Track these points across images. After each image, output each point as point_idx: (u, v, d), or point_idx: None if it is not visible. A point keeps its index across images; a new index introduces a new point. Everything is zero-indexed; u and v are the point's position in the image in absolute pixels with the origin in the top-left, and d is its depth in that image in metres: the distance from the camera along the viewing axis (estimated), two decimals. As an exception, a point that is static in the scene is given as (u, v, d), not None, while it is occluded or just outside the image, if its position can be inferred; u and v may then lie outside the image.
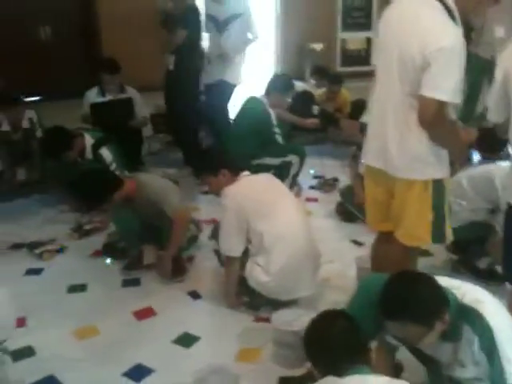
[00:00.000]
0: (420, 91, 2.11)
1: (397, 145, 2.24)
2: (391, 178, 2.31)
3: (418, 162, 2.23)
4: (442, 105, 2.10)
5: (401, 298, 1.74)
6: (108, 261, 3.46)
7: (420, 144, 2.21)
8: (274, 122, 4.25)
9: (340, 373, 1.71)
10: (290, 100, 4.52)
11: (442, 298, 1.75)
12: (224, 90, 4.94)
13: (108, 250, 3.52)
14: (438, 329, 1.74)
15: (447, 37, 2.07)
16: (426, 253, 3.20)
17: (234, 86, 4.99)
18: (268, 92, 4.33)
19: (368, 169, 2.46)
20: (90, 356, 2.58)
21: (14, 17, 7.67)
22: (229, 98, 5.07)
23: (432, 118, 2.12)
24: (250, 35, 4.90)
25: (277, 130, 4.26)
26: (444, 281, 1.85)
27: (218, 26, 4.81)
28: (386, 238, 2.51)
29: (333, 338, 1.81)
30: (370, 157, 2.41)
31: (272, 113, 4.25)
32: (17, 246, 3.69)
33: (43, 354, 2.60)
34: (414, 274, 1.91)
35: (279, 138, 4.26)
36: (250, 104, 4.36)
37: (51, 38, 7.98)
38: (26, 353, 2.60)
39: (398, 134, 2.23)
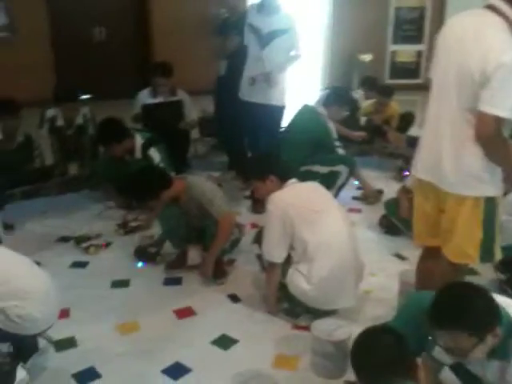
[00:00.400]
0: (478, 107, 2.08)
1: (452, 160, 2.21)
2: (443, 192, 2.28)
3: (472, 178, 2.20)
4: (499, 121, 2.07)
5: (455, 306, 1.71)
6: (139, 264, 3.48)
7: (475, 160, 2.17)
8: (335, 135, 4.27)
9: None
10: (347, 113, 4.50)
11: (495, 310, 1.71)
12: (273, 114, 4.60)
13: (139, 253, 3.53)
14: (488, 342, 1.70)
15: (508, 53, 2.03)
16: (472, 271, 3.13)
17: (283, 107, 4.66)
18: (328, 104, 4.33)
19: (418, 182, 2.43)
20: (130, 351, 2.63)
21: (73, 17, 7.95)
22: (280, 122, 4.75)
23: (489, 133, 2.09)
24: (293, 52, 4.51)
25: (338, 143, 4.27)
26: (498, 298, 1.81)
27: (261, 39, 4.41)
28: (432, 254, 2.46)
29: (379, 353, 1.79)
30: (421, 170, 2.38)
31: (333, 127, 4.26)
32: (65, 239, 3.82)
33: (85, 346, 2.66)
34: (469, 284, 1.87)
35: (340, 151, 4.29)
36: (309, 115, 4.30)
37: (106, 39, 8.22)
38: (68, 343, 2.66)
39: (454, 150, 2.21)
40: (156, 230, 3.70)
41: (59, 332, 2.63)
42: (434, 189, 2.32)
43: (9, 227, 3.93)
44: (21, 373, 2.29)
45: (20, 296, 2.19)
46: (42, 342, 2.49)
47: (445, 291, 1.78)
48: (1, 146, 4.31)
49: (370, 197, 4.57)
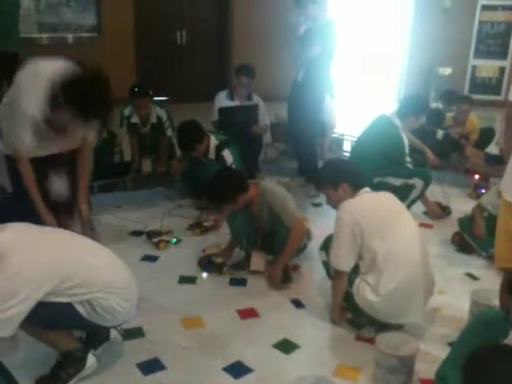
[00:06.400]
0: None
1: None
2: None
3: None
4: None
5: None
6: (204, 274, 3.40)
7: None
8: (407, 150, 4.18)
9: None
10: (424, 120, 4.37)
11: None
12: None
13: (204, 263, 3.45)
14: None
15: None
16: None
17: None
18: (404, 115, 4.20)
19: (505, 202, 2.32)
20: (194, 345, 2.68)
21: (157, 20, 8.26)
22: None
23: None
24: None
25: (408, 158, 4.18)
26: None
27: None
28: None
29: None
30: (509, 189, 2.27)
31: (406, 141, 4.16)
32: (137, 233, 3.95)
33: (151, 337, 2.73)
34: None
35: (409, 166, 4.20)
36: (384, 126, 4.18)
37: (187, 43, 8.46)
38: (136, 333, 2.73)
39: None
40: (222, 239, 3.69)
41: (128, 322, 2.70)
42: None
43: (86, 218, 4.11)
44: (91, 359, 2.38)
45: (105, 288, 2.22)
46: (112, 332, 2.58)
47: None
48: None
49: (432, 214, 4.44)
